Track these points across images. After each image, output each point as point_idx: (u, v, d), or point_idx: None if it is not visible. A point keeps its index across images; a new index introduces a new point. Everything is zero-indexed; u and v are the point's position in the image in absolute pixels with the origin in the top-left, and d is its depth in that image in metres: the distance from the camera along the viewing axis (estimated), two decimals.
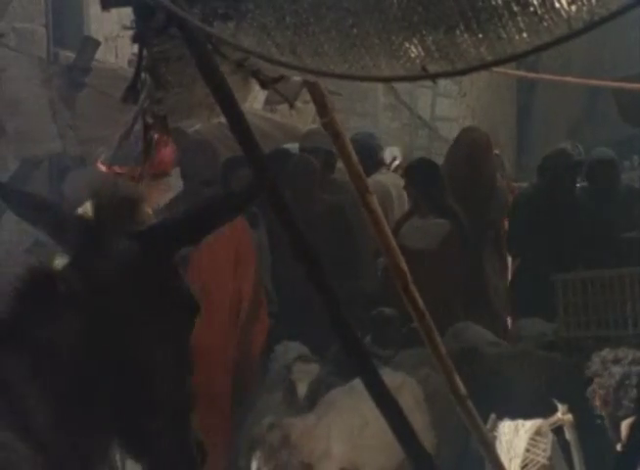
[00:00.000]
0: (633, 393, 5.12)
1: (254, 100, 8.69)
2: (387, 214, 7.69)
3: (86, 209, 2.22)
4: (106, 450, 2.08)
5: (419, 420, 5.57)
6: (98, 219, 2.14)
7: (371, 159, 8.63)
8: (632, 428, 5.07)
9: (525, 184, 9.75)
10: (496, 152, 9.93)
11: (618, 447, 5.14)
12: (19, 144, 8.06)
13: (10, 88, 8.00)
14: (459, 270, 7.47)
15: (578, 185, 8.42)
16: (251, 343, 6.88)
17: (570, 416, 5.54)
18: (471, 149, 8.12)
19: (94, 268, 2.08)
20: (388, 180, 8.70)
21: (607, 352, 5.37)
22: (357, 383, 5.39)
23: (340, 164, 7.48)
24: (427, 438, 5.54)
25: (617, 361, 5.24)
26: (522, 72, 8.56)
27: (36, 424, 1.91)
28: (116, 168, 6.61)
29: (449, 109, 15.51)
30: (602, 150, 8.67)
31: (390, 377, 5.74)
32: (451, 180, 7.83)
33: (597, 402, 5.23)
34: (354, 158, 4.03)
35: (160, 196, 5.72)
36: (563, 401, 5.60)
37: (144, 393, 2.08)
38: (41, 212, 2.22)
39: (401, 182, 8.27)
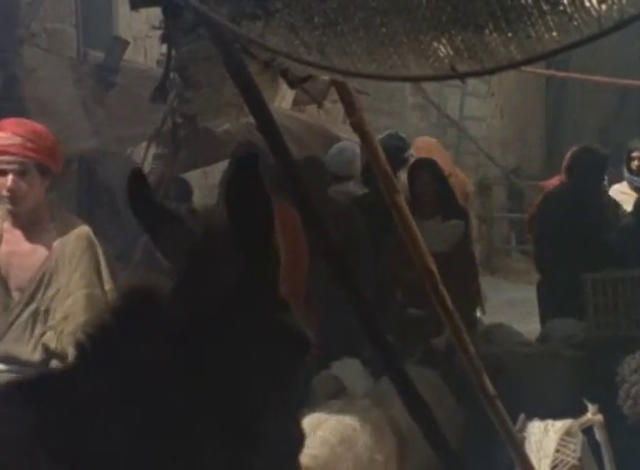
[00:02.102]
0: None
1: (282, 100, 8.70)
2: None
3: None
4: None
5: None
6: (207, 247, 2.01)
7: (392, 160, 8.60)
8: None
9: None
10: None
11: None
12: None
13: (41, 88, 8.05)
14: (471, 272, 7.41)
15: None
16: None
17: (600, 416, 5.51)
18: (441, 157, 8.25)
19: (199, 297, 1.96)
20: None
21: (631, 358, 5.35)
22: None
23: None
24: None
25: None
26: (551, 71, 8.52)
27: (117, 454, 1.82)
28: None
29: (478, 108, 15.47)
30: None
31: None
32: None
33: (626, 408, 5.21)
34: (382, 157, 4.02)
35: None
36: (593, 402, 5.57)
37: (247, 428, 1.95)
38: (161, 226, 2.09)
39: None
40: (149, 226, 2.12)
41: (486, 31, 3.12)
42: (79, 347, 1.93)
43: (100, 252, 4.59)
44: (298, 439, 2.07)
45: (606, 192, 8.47)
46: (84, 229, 4.64)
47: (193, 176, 9.65)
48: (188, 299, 1.96)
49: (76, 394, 1.86)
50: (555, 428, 5.42)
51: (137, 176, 2.16)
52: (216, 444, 1.93)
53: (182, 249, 2.03)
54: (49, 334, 4.50)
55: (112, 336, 1.92)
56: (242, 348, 1.96)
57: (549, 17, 3.06)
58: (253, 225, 1.95)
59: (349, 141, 8.50)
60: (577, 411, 5.59)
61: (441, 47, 3.22)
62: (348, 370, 6.26)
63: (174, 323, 1.93)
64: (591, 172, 7.93)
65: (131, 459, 1.84)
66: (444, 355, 6.28)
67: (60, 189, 8.50)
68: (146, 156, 8.06)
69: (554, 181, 9.52)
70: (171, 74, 4.09)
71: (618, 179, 9.29)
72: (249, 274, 1.98)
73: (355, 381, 6.11)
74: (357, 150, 8.19)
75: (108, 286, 4.52)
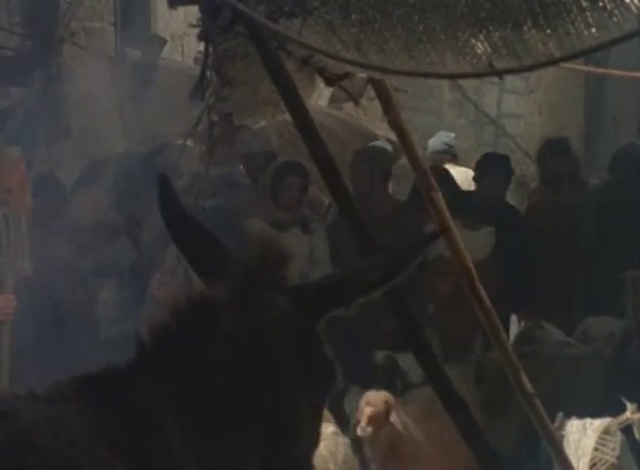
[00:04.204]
0: None
1: (319, 97, 8.69)
2: None
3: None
4: None
5: None
6: (254, 271, 2.07)
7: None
8: None
9: (594, 181, 9.63)
10: None
11: None
12: (83, 143, 8.16)
13: (79, 86, 8.10)
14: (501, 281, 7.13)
15: None
16: None
17: (639, 415, 5.47)
18: None
19: (247, 318, 2.03)
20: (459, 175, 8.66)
21: None
22: None
23: None
24: None
25: None
26: (590, 68, 8.42)
27: (175, 453, 1.88)
28: None
29: (516, 105, 15.39)
30: None
31: None
32: None
33: None
34: (419, 154, 4.01)
35: None
36: (632, 400, 5.53)
37: (288, 433, 2.05)
38: (200, 251, 2.15)
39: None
40: (181, 242, 2.17)
41: (525, 28, 3.11)
42: (141, 345, 1.98)
43: None
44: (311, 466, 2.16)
45: None
46: None
47: None
48: (243, 316, 2.02)
49: (136, 393, 1.91)
50: (593, 427, 5.39)
51: (165, 185, 2.19)
52: (264, 444, 2.00)
53: (223, 270, 2.08)
54: None
55: (173, 339, 1.97)
56: (287, 366, 2.05)
57: (588, 13, 3.03)
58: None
59: (384, 138, 8.48)
60: (616, 410, 5.55)
61: (479, 44, 3.21)
62: None
63: (233, 336, 2.00)
64: (636, 168, 7.83)
65: (188, 458, 1.89)
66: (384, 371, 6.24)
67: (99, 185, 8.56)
68: (181, 153, 8.08)
69: None
70: (208, 72, 4.10)
71: None
72: (296, 303, 2.07)
73: None
74: (389, 148, 8.17)
75: None
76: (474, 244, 6.74)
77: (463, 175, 8.68)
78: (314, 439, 2.14)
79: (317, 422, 2.14)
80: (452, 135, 9.67)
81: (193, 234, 2.16)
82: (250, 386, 2.00)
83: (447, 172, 7.70)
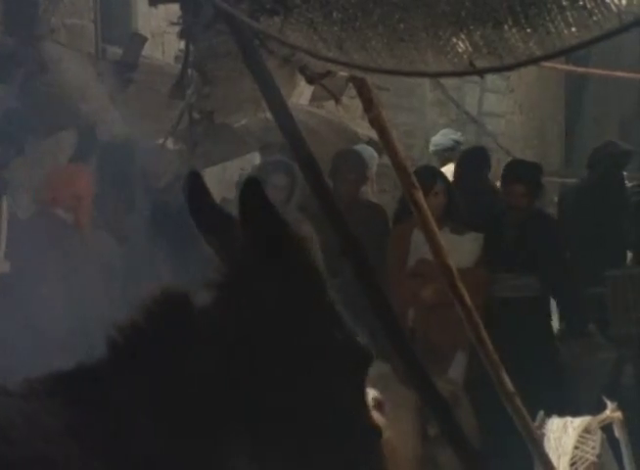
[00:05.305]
0: None
1: (301, 95, 8.69)
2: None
3: None
4: None
5: None
6: (240, 264, 2.00)
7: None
8: None
9: (573, 180, 9.67)
10: None
11: None
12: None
13: (69, 76, 8.07)
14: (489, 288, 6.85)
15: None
16: None
17: (619, 414, 5.49)
18: None
19: (243, 306, 1.96)
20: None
21: None
22: None
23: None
24: None
25: None
26: (571, 67, 8.45)
27: (147, 454, 1.84)
28: None
29: (497, 104, 15.43)
30: None
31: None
32: None
33: None
34: (401, 153, 4.01)
35: None
36: (612, 399, 5.55)
37: (290, 440, 1.95)
38: (220, 234, 2.08)
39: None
40: (205, 231, 2.13)
41: (505, 27, 3.11)
42: (112, 344, 1.95)
43: None
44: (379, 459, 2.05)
45: (625, 188, 8.42)
46: None
47: (212, 171, 9.66)
48: (223, 311, 1.96)
49: (108, 392, 1.88)
50: (574, 425, 5.40)
51: (196, 179, 2.17)
52: (245, 453, 1.93)
53: (231, 261, 2.02)
54: None
55: (143, 337, 1.94)
56: (285, 358, 1.96)
57: (569, 12, 3.04)
58: (267, 240, 1.95)
59: (366, 137, 8.49)
60: (597, 408, 5.57)
61: (460, 43, 3.21)
62: None
63: (206, 333, 1.95)
64: (613, 167, 7.86)
65: (161, 460, 1.86)
66: None
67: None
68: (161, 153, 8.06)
69: None
70: (189, 70, 4.10)
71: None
72: (287, 292, 1.97)
73: None
74: (374, 154, 8.17)
75: None
76: (459, 249, 6.59)
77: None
78: (353, 433, 2.00)
79: (354, 412, 2.01)
80: (459, 133, 9.69)
81: (219, 227, 2.13)
82: (232, 384, 1.94)
83: (438, 172, 7.59)
